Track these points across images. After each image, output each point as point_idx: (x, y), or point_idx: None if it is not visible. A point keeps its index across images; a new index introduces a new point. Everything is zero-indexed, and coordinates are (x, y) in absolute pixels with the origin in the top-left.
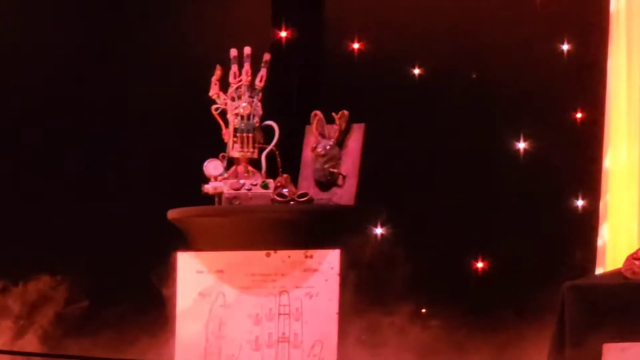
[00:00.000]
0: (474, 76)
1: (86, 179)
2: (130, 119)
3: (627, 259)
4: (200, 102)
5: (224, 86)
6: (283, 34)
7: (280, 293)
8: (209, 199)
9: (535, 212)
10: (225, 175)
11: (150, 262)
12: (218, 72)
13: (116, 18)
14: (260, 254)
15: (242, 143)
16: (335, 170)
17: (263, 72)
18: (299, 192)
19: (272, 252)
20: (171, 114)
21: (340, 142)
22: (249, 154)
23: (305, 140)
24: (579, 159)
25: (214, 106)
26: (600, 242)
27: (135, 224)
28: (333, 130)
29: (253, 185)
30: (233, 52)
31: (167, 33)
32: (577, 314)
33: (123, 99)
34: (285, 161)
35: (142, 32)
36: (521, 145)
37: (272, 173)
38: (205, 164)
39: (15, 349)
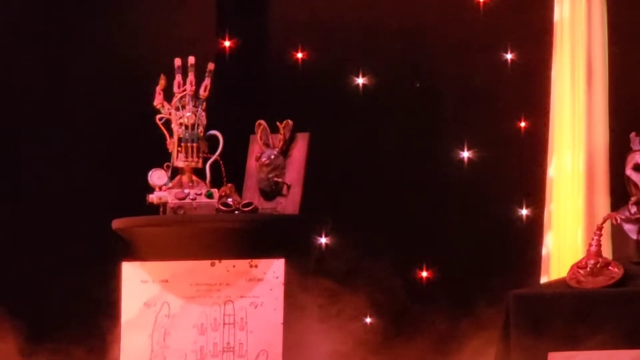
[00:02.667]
0: (418, 85)
1: (28, 188)
2: (74, 129)
3: (572, 268)
4: (144, 112)
5: (168, 96)
6: (227, 43)
7: (225, 303)
8: (154, 209)
9: (479, 221)
10: (170, 185)
11: (94, 272)
12: (162, 82)
13: (60, 28)
14: (205, 263)
15: (186, 153)
16: (280, 180)
17: (207, 81)
18: (244, 202)
19: (216, 261)
20: (115, 123)
21: (285, 152)
22: (193, 163)
23: (250, 150)
24: (523, 167)
25: (158, 116)
26: (544, 251)
27: (79, 233)
28: (277, 139)
29: (197, 195)
30: (177, 61)
31: (111, 42)
32: (522, 322)
33: (66, 108)
34: (229, 171)
35: (86, 41)
36: (465, 154)
37: (216, 183)
38: (150, 173)
39: None
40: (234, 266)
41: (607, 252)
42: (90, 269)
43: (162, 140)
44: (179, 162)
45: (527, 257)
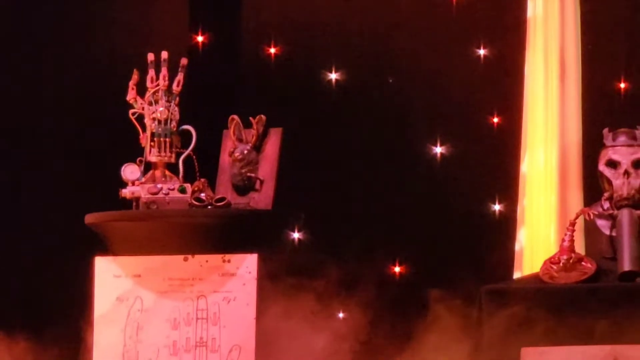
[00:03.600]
0: (391, 80)
1: (1, 183)
2: (46, 123)
3: (545, 263)
4: (117, 107)
5: (142, 90)
6: (200, 38)
7: (198, 297)
8: (127, 204)
9: (452, 217)
10: (143, 179)
11: (67, 266)
12: (135, 77)
13: (32, 20)
14: (178, 258)
15: (159, 147)
16: (253, 175)
17: (180, 76)
18: (217, 197)
19: (189, 256)
20: (88, 118)
21: (258, 147)
22: (166, 158)
23: (223, 145)
24: (496, 163)
25: (132, 110)
26: (517, 246)
27: (52, 228)
28: (250, 134)
29: (170, 190)
30: (150, 56)
31: (84, 36)
32: (494, 318)
33: (40, 103)
34: (202, 166)
35: (59, 35)
36: (438, 149)
37: (189, 177)
38: (123, 168)
39: None
40: (207, 261)
41: (580, 247)
42: (63, 263)
43: (135, 135)
44: (152, 156)
45: (500, 253)
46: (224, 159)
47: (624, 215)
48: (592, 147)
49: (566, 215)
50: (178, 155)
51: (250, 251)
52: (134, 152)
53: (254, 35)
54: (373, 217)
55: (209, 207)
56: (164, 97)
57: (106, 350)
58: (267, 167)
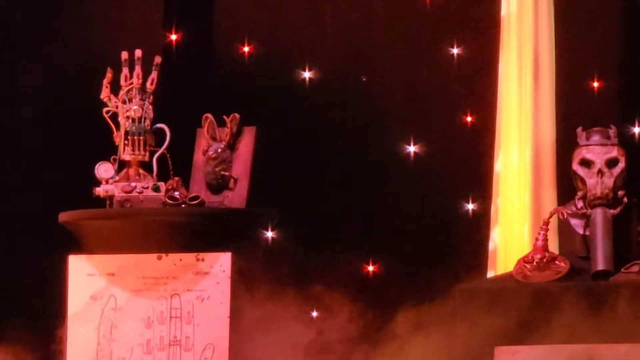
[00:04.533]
0: (364, 79)
1: None
2: (20, 121)
3: (518, 262)
4: (91, 105)
5: (115, 89)
6: (174, 37)
7: (172, 296)
8: (101, 202)
9: (426, 216)
10: (117, 178)
11: (41, 264)
12: (109, 75)
13: (6, 18)
14: (152, 256)
15: (133, 146)
16: (227, 173)
17: (154, 74)
18: (190, 195)
19: (163, 255)
20: (62, 116)
21: (232, 145)
22: (140, 156)
23: (197, 143)
24: (469, 162)
25: (105, 109)
26: (491, 245)
27: (26, 226)
28: (224, 133)
29: (144, 188)
30: (124, 54)
31: (57, 35)
32: (468, 317)
33: (13, 101)
34: (176, 164)
35: (32, 34)
36: (412, 148)
37: (163, 176)
38: (97, 166)
39: None
40: (180, 259)
41: (553, 246)
42: (37, 261)
43: (109, 133)
44: (126, 155)
45: (473, 252)
46: (198, 157)
47: (598, 214)
48: (565, 146)
49: (540, 215)
50: (152, 153)
51: (224, 250)
52: (108, 151)
53: (227, 34)
54: (347, 216)
55: (183, 205)
56: (137, 96)
57: (80, 349)
58: (241, 165)
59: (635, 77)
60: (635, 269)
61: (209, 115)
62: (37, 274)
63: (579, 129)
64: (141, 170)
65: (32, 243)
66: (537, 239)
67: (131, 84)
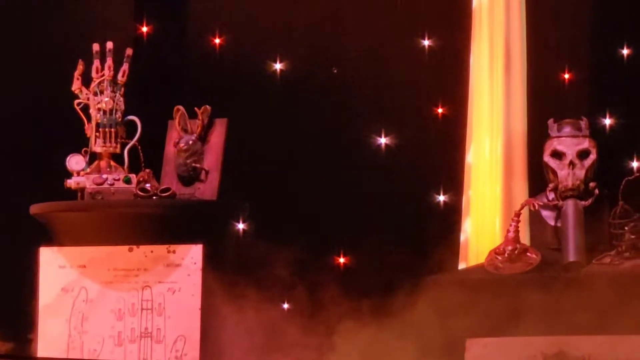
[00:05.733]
0: (335, 71)
1: None
2: None
3: (490, 254)
4: (62, 97)
5: (87, 81)
6: (145, 29)
7: (143, 288)
8: (72, 194)
9: (397, 208)
10: (88, 170)
11: (12, 257)
12: (80, 67)
13: None
14: (123, 248)
15: (104, 138)
16: (198, 165)
17: (125, 67)
18: (162, 187)
19: (134, 247)
20: (33, 108)
21: (203, 137)
22: (111, 149)
23: (168, 135)
24: (441, 154)
25: (77, 101)
26: (462, 237)
27: None
28: (195, 125)
29: (115, 180)
30: (95, 46)
31: (28, 26)
32: (440, 309)
33: None
34: (147, 156)
35: (3, 25)
36: (382, 140)
37: (134, 168)
38: (68, 158)
39: None
40: (151, 251)
41: (525, 238)
42: (8, 254)
43: (80, 125)
44: (97, 147)
45: (445, 243)
46: (169, 149)
47: (569, 206)
48: (537, 137)
49: (511, 206)
50: (123, 145)
51: (196, 242)
52: (79, 143)
53: (198, 26)
54: (318, 208)
55: (154, 197)
56: (109, 88)
57: (51, 341)
58: (212, 157)
59: (606, 68)
60: (606, 260)
61: (180, 107)
62: (8, 267)
63: (551, 121)
64: (112, 162)
65: (2, 235)
66: (508, 231)
67: (102, 76)
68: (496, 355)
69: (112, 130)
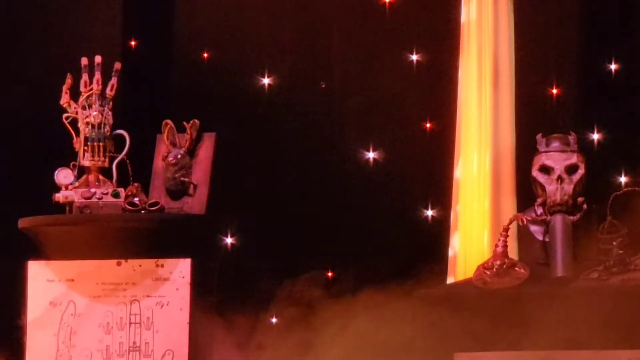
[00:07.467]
0: (323, 85)
1: None
2: None
3: (478, 269)
4: (51, 111)
5: (75, 95)
6: (133, 43)
7: (131, 302)
8: (60, 208)
9: (385, 222)
10: (76, 184)
11: (0, 271)
12: (69, 81)
13: None
14: (111, 262)
15: (93, 152)
16: (186, 179)
17: (114, 81)
18: (150, 201)
19: (123, 261)
20: (22, 122)
21: (191, 151)
22: (99, 162)
23: (157, 150)
24: (429, 169)
25: (65, 115)
26: (451, 252)
27: None
28: (184, 139)
29: (104, 194)
30: (84, 60)
31: (18, 40)
32: (428, 323)
33: None
34: (136, 170)
35: None
36: (371, 154)
37: (123, 182)
38: (56, 172)
39: None
40: (140, 265)
41: (513, 253)
42: None
43: (69, 139)
44: (86, 161)
45: (433, 258)
46: (158, 163)
47: (557, 221)
48: (525, 152)
49: (499, 221)
50: (112, 159)
51: (184, 256)
52: (68, 157)
53: (187, 40)
54: (306, 222)
55: (143, 211)
56: (97, 102)
57: (39, 355)
58: (201, 171)
59: (594, 84)
60: (594, 275)
61: (169, 121)
62: None
63: (539, 136)
64: (101, 176)
65: None
66: (496, 246)
67: (91, 89)
68: None
69: (101, 144)
